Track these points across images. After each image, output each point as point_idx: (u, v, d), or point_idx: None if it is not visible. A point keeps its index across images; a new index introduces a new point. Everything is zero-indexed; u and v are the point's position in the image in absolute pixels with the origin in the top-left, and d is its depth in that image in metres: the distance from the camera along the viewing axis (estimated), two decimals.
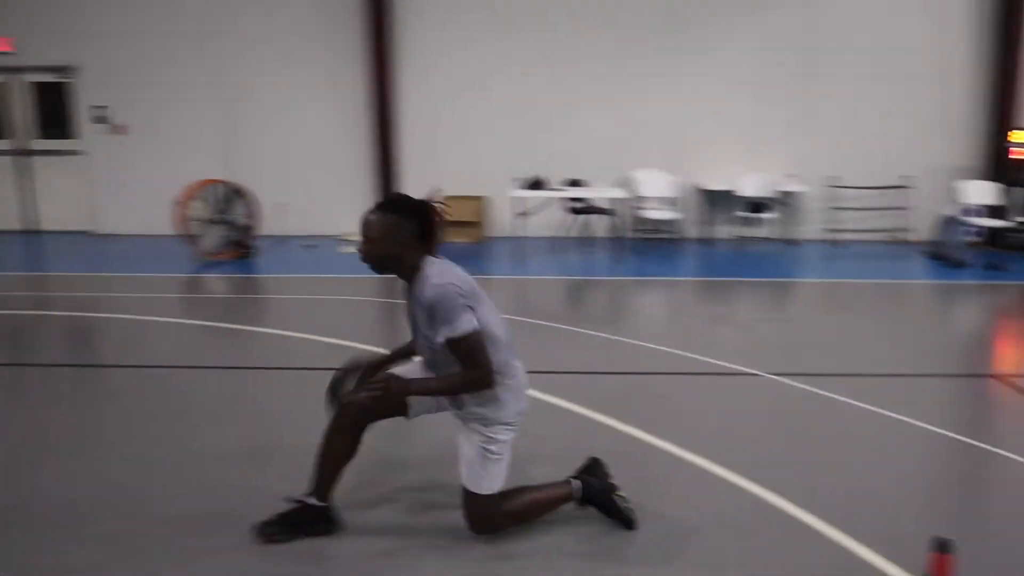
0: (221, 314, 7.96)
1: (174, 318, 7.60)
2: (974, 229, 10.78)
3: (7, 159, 13.17)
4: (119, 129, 12.78)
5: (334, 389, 3.53)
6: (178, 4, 12.45)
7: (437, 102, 12.25)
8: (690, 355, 6.21)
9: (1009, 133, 11.47)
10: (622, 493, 3.73)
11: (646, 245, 11.49)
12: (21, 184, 13.24)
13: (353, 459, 3.56)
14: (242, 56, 12.43)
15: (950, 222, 10.78)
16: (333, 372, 3.57)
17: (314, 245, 11.54)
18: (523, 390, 3.53)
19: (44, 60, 12.79)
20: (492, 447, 3.43)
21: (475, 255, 10.85)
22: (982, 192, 11.26)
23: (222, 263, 10.40)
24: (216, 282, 9.48)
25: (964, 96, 11.92)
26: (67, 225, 13.19)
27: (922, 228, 11.88)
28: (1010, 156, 11.38)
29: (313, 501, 3.57)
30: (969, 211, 10.89)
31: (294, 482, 3.76)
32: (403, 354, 3.63)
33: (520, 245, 10.90)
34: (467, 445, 3.46)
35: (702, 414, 5.07)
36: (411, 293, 3.38)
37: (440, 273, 3.28)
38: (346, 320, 7.41)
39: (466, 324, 3.23)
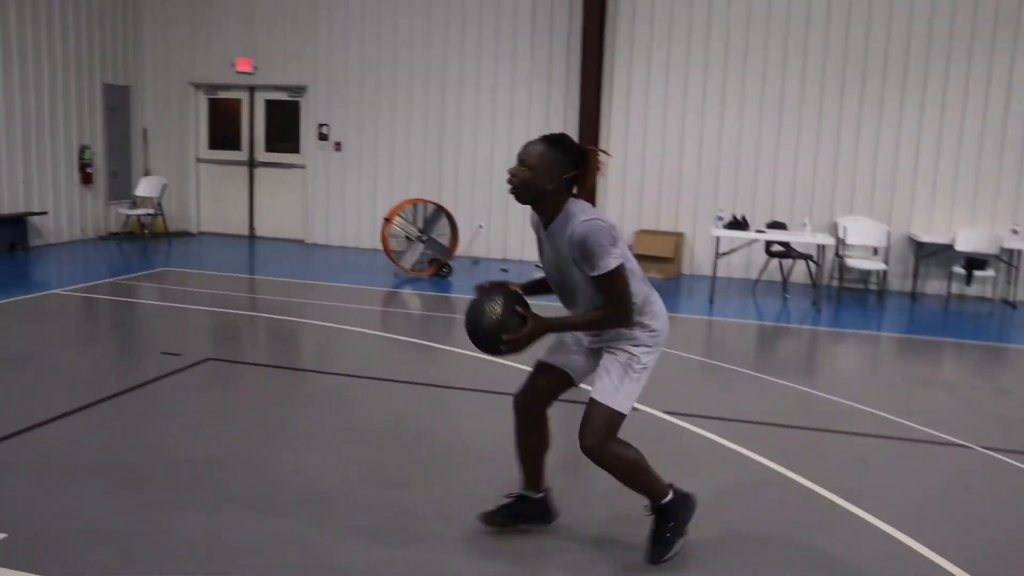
0: (414, 330, 8.20)
1: (371, 329, 7.89)
2: None
3: (237, 169, 14.16)
4: (335, 146, 13.48)
5: (484, 300, 3.38)
6: (401, 31, 13.03)
7: (643, 134, 12.20)
8: (890, 417, 5.84)
9: None
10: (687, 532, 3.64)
11: (848, 295, 10.97)
12: (246, 193, 14.19)
13: (549, 447, 3.72)
14: (453, 81, 12.85)
15: None
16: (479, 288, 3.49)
17: (506, 270, 11.72)
18: (664, 315, 3.52)
19: (278, 80, 13.69)
20: (635, 364, 3.40)
21: (669, 291, 10.69)
22: None
23: (420, 280, 10.73)
24: (412, 298, 9.79)
25: None
26: (282, 233, 14.01)
27: None
28: None
29: (530, 494, 3.80)
30: None
31: (491, 483, 3.79)
32: (537, 288, 3.60)
33: (715, 285, 10.66)
34: (608, 361, 3.43)
35: (903, 484, 4.74)
36: (549, 230, 3.38)
37: (586, 211, 3.28)
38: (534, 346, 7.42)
39: (614, 260, 3.23)
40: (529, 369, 3.72)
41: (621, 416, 3.35)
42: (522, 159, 3.31)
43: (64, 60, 12.65)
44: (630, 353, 3.41)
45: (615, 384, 3.36)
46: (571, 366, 3.59)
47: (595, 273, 3.24)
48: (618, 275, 3.24)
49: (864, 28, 11.42)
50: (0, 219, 11.61)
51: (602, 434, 3.33)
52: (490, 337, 3.31)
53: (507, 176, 3.32)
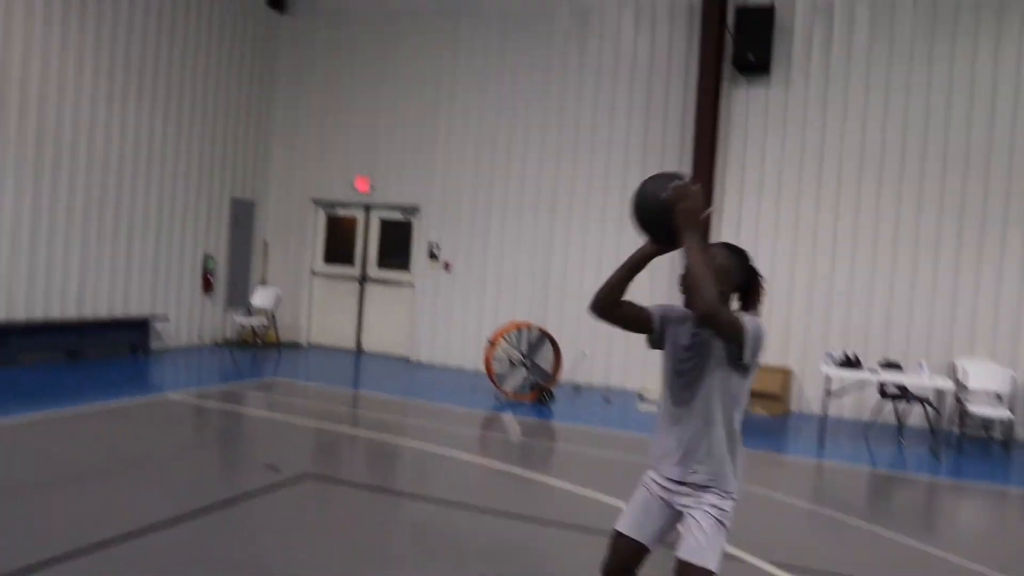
0: (513, 457, 8.10)
1: (469, 454, 7.83)
2: None
3: (349, 284, 14.57)
4: (445, 266, 13.76)
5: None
6: (514, 155, 13.37)
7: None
8: None
9: None
10: None
11: (969, 443, 10.41)
12: (355, 308, 14.55)
13: None
14: (563, 206, 13.04)
15: None
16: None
17: (609, 400, 11.57)
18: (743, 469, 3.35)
19: (394, 200, 14.17)
20: (725, 518, 3.21)
21: (775, 430, 10.35)
22: None
23: (522, 405, 10.68)
24: (513, 423, 9.73)
25: None
26: (388, 349, 14.23)
27: None
28: None
29: None
30: None
31: None
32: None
33: (825, 425, 10.26)
34: (696, 516, 3.21)
35: None
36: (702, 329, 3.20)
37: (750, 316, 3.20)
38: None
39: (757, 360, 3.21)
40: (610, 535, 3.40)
41: (713, 574, 3.12)
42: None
43: (199, 174, 13.40)
44: (720, 507, 3.22)
45: (708, 543, 3.15)
46: (645, 535, 3.34)
47: (746, 360, 3.15)
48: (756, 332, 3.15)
49: (983, 162, 11.17)
50: (127, 322, 12.16)
51: None
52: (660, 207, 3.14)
53: (681, 277, 3.23)
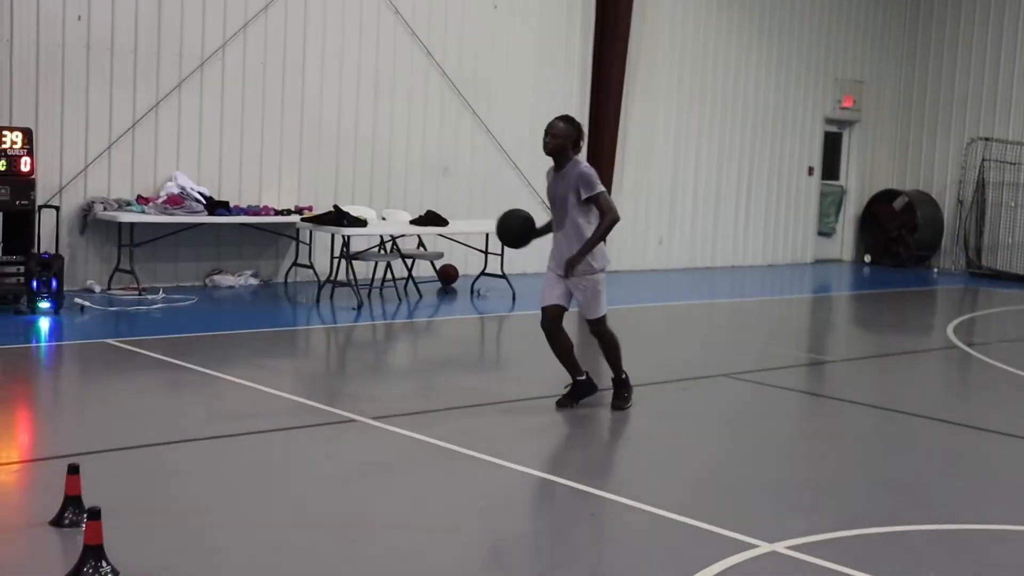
0: None
1: None
2: None
3: None
4: None
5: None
6: None
7: None
8: None
9: None
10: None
11: None
12: None
13: (573, 345, 7.86)
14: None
15: None
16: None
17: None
18: (607, 253, 7.77)
19: None
20: (599, 287, 7.59)
21: None
22: None
23: None
24: None
25: None
26: None
27: None
28: None
29: (578, 378, 7.88)
30: None
31: None
32: (545, 229, 7.86)
33: None
34: (581, 292, 7.55)
35: None
36: (560, 173, 7.47)
37: (584, 162, 7.56)
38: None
39: (600, 187, 7.44)
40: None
41: (605, 316, 7.71)
42: (554, 132, 7.44)
43: None
44: (594, 281, 7.56)
45: (594, 305, 7.60)
46: (559, 299, 7.60)
47: (591, 193, 7.35)
48: (604, 195, 7.44)
49: None
50: None
51: (603, 331, 7.73)
52: (524, 230, 7.82)
53: (545, 140, 7.47)
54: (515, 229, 7.81)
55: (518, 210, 7.94)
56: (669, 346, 11.58)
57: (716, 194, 18.77)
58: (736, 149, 18.96)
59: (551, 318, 7.60)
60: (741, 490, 6.29)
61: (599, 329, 7.70)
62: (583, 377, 7.83)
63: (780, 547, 5.16)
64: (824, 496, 6.30)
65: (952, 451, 7.65)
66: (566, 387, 7.88)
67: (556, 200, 7.51)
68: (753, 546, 5.15)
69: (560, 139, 7.36)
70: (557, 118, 7.53)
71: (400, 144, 14.75)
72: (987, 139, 19.97)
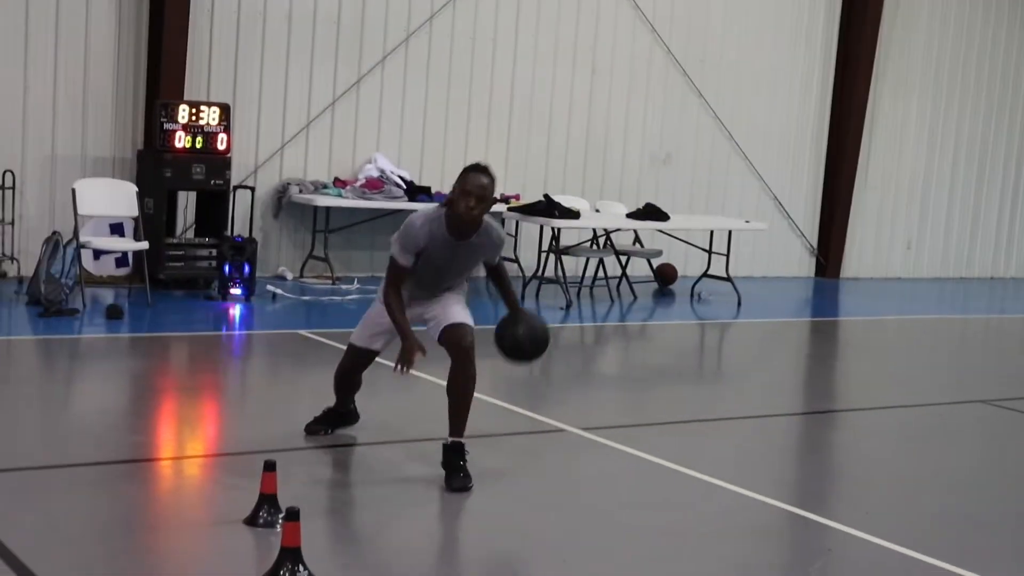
0: None
1: None
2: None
3: None
4: None
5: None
6: None
7: None
8: None
9: None
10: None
11: None
12: None
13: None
14: None
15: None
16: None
17: None
18: None
19: None
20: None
21: None
22: None
23: None
24: None
25: None
26: None
27: None
28: None
29: (345, 408, 6.87)
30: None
31: None
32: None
33: None
34: (455, 304, 6.29)
35: None
36: (464, 244, 6.07)
37: (493, 222, 6.24)
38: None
39: None
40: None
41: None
42: (482, 195, 5.94)
43: None
44: (464, 295, 6.45)
45: (467, 315, 6.27)
46: (378, 348, 6.53)
47: (499, 259, 6.37)
48: None
49: None
50: None
51: (472, 343, 6.13)
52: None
53: (469, 206, 5.89)
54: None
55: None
56: (917, 366, 11.19)
57: (976, 194, 18.04)
58: (1003, 144, 18.17)
59: (366, 364, 6.68)
60: (1000, 535, 6.01)
61: None
62: (353, 406, 6.91)
63: None
64: None
65: None
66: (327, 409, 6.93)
67: (449, 271, 6.22)
68: None
69: (489, 202, 6.02)
70: (477, 171, 6.02)
71: (618, 129, 14.74)
72: None
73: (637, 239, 13.92)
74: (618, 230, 13.58)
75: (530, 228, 13.53)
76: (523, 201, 13.21)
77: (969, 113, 17.73)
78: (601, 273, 13.56)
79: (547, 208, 12.34)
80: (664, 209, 13.41)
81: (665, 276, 14.22)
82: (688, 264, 14.51)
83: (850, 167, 16.24)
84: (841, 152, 16.15)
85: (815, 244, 16.52)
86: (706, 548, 5.51)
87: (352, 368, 6.61)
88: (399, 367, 5.94)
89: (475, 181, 5.92)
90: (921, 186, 17.46)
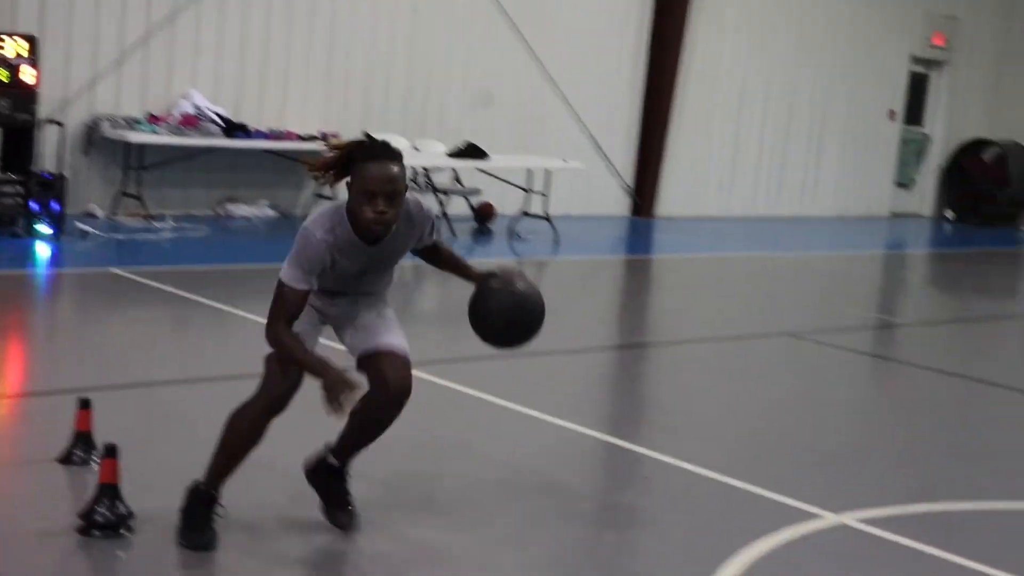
0: None
1: None
2: None
3: None
4: None
5: None
6: None
7: None
8: None
9: None
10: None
11: None
12: None
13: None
14: None
15: None
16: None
17: None
18: None
19: None
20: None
21: None
22: None
23: None
24: None
25: None
26: None
27: None
28: None
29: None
30: None
31: None
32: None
33: None
34: (383, 318, 4.78)
35: None
36: (383, 241, 4.52)
37: (409, 198, 4.58)
38: None
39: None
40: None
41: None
42: (392, 191, 4.33)
43: None
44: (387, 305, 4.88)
45: (402, 334, 4.76)
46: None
47: (436, 236, 4.87)
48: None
49: None
50: None
51: (410, 377, 4.70)
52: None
53: (384, 214, 4.32)
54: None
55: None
56: (727, 301, 11.61)
57: (785, 136, 18.71)
58: (809, 87, 18.84)
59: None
60: (804, 457, 6.38)
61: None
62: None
63: (848, 519, 5.24)
64: (896, 466, 6.36)
65: None
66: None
67: (366, 277, 4.74)
68: (818, 516, 5.23)
69: (400, 196, 4.40)
70: (381, 160, 4.34)
71: (438, 68, 14.76)
72: None
73: (457, 178, 14.01)
74: (438, 169, 13.64)
75: None
76: (343, 139, 13.09)
77: (780, 53, 18.31)
78: None
79: None
80: (483, 148, 13.53)
81: (484, 215, 14.37)
82: (507, 203, 14.66)
83: (665, 108, 16.62)
84: (657, 93, 16.52)
85: (631, 183, 16.87)
86: (523, 478, 5.68)
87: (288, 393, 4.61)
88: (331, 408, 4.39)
89: (380, 174, 4.32)
90: (734, 126, 17.98)
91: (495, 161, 13.68)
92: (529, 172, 14.11)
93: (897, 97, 20.28)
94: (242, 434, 4.54)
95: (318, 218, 4.50)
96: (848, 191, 19.77)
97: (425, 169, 13.57)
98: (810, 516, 5.22)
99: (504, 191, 14.60)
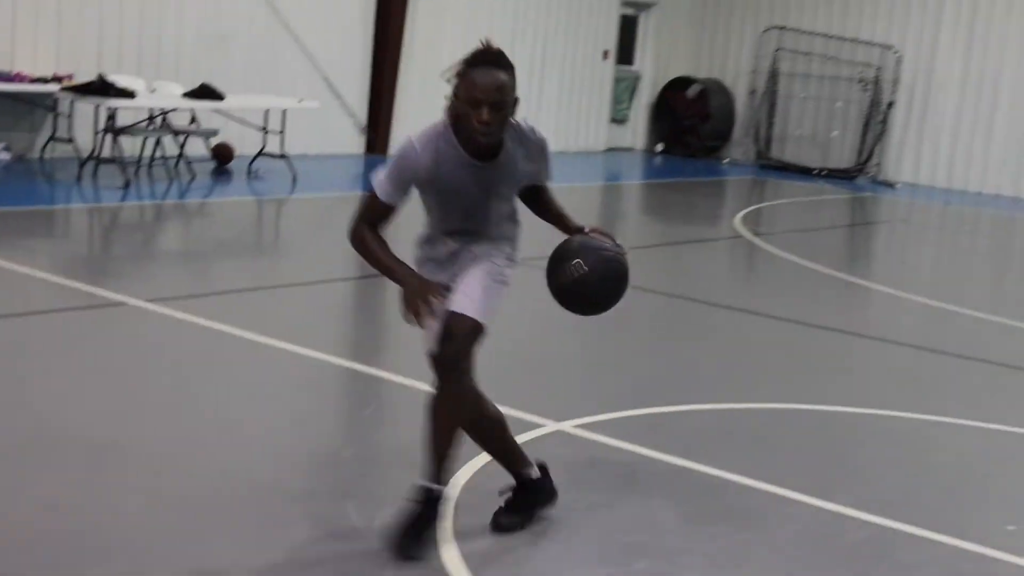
0: None
1: None
2: None
3: None
4: None
5: None
6: None
7: None
8: None
9: None
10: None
11: None
12: None
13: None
14: None
15: None
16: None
17: None
18: None
19: None
20: (505, 276, 4.29)
21: None
22: None
23: None
24: None
25: None
26: None
27: None
28: None
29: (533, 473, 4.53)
30: None
31: None
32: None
33: None
34: (474, 276, 4.20)
35: None
36: (493, 164, 4.13)
37: (518, 121, 4.19)
38: None
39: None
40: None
41: (481, 329, 4.17)
42: (497, 100, 3.95)
43: None
44: (505, 262, 4.31)
45: (482, 297, 4.16)
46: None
47: (550, 178, 4.43)
48: None
49: None
50: None
51: (459, 356, 4.14)
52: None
53: (489, 124, 3.95)
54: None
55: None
56: None
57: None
58: (529, 30, 19.25)
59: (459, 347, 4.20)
60: (528, 374, 6.71)
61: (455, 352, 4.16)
62: (535, 473, 4.53)
63: (567, 426, 5.61)
64: (612, 379, 6.80)
65: (734, 336, 8.28)
66: (502, 493, 4.49)
67: (476, 208, 4.25)
68: (540, 425, 5.56)
69: (508, 106, 4.04)
70: (487, 65, 4.03)
71: (172, 8, 14.37)
72: (782, 28, 20.89)
73: (194, 119, 13.75)
74: (174, 110, 13.34)
75: (85, 109, 12.98)
76: (77, 81, 12.68)
77: None
78: (159, 153, 13.33)
79: (101, 87, 11.95)
80: (219, 89, 13.32)
81: (222, 155, 14.18)
82: (244, 143, 14.50)
83: (394, 49, 16.72)
84: (386, 33, 16.59)
85: (365, 122, 16.92)
86: (266, 402, 5.81)
87: (455, 379, 4.23)
88: (408, 316, 4.13)
89: (486, 82, 3.97)
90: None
91: (231, 101, 13.48)
92: (266, 112, 13.99)
93: (610, 38, 20.95)
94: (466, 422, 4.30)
95: (422, 132, 4.18)
96: (567, 128, 20.36)
97: (162, 110, 13.26)
98: (533, 426, 5.56)
99: (242, 132, 14.43)
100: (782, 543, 4.54)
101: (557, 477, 4.55)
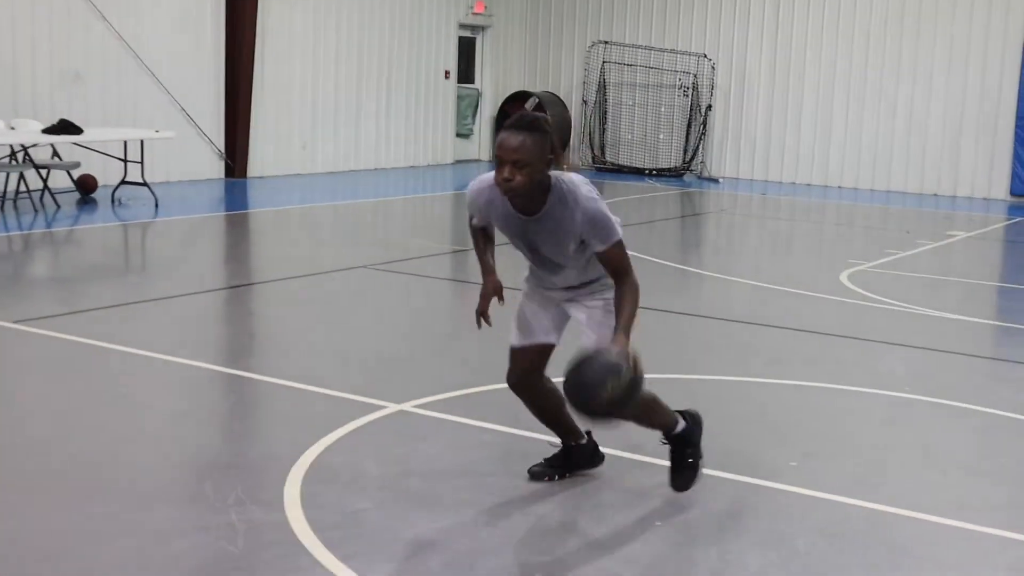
0: None
1: None
2: None
3: None
4: None
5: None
6: None
7: None
8: None
9: None
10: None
11: None
12: None
13: (564, 399, 4.32)
14: None
15: None
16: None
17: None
18: None
19: None
20: (610, 307, 4.40)
21: None
22: None
23: None
24: None
25: None
26: None
27: None
28: None
29: (574, 441, 4.94)
30: None
31: None
32: (490, 249, 4.78)
33: None
34: (592, 314, 4.54)
35: None
36: (536, 217, 4.26)
37: (577, 185, 4.25)
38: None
39: (619, 230, 4.32)
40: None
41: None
42: (516, 159, 4.05)
43: None
44: (606, 299, 4.49)
45: (605, 327, 4.39)
46: (542, 337, 4.71)
47: (606, 246, 4.26)
48: (623, 245, 4.31)
49: None
50: None
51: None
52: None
53: (508, 181, 4.07)
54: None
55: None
56: (316, 244, 12.11)
57: (358, 98, 19.26)
58: (375, 54, 19.48)
59: (533, 363, 4.77)
60: (374, 363, 7.02)
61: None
62: (585, 440, 4.98)
63: (407, 406, 5.90)
64: (446, 364, 7.08)
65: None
66: (553, 446, 5.03)
67: (543, 252, 4.47)
68: (383, 407, 5.84)
69: (531, 166, 4.10)
70: (511, 129, 4.14)
71: (23, 49, 14.19)
72: (606, 42, 21.55)
73: (56, 153, 13.62)
74: (35, 145, 13.21)
75: None
76: None
77: (346, 23, 18.76)
78: (24, 187, 13.18)
79: None
80: (78, 124, 13.25)
81: (85, 186, 14.05)
82: (107, 173, 14.41)
83: (247, 77, 16.77)
84: (238, 63, 16.61)
85: (223, 148, 16.92)
86: (145, 407, 5.96)
87: (519, 378, 4.77)
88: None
89: (508, 143, 4.07)
90: (311, 91, 18.35)
91: (90, 134, 13.41)
92: (125, 144, 13.95)
93: (450, 58, 21.28)
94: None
95: (481, 177, 4.46)
96: (416, 143, 20.65)
97: (23, 146, 13.12)
98: (377, 408, 5.85)
99: (105, 162, 14.34)
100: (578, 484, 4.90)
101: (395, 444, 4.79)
